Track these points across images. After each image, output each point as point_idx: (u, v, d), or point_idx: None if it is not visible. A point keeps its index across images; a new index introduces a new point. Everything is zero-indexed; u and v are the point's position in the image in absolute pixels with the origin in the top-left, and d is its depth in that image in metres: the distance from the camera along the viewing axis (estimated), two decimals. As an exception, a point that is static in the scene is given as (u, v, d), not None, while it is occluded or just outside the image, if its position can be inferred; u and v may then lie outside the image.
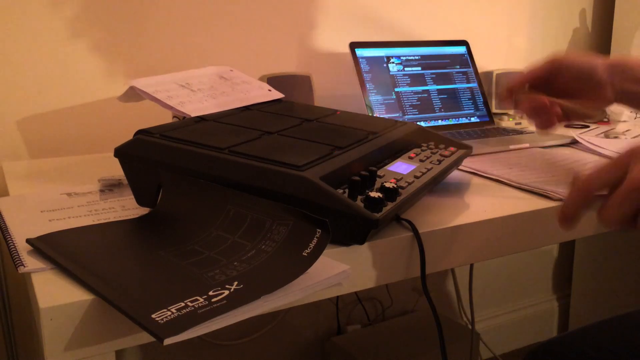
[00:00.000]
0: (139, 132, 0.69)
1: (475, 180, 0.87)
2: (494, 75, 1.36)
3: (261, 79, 1.08)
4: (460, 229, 0.68)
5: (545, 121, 0.76)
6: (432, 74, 1.24)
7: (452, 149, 0.83)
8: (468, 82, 1.28)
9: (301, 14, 1.30)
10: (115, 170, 0.80)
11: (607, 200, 0.48)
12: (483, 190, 0.82)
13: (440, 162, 0.77)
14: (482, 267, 1.74)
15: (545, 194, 0.78)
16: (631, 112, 1.33)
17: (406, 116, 1.17)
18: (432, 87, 1.23)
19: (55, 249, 0.55)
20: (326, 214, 0.56)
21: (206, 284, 0.49)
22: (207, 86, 0.94)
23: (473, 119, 1.25)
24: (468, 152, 0.84)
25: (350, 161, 0.66)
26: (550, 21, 1.67)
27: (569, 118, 0.80)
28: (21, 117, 1.08)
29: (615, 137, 1.17)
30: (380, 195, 0.59)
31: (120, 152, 0.67)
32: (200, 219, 0.59)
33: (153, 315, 0.43)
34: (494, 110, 1.33)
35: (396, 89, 1.19)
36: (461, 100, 1.25)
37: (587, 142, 1.08)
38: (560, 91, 0.75)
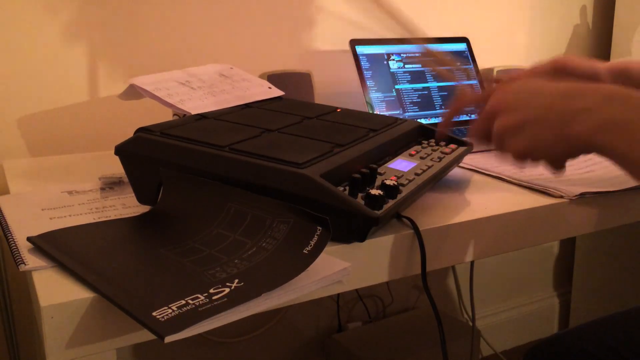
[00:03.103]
0: (140, 130, 0.69)
1: (476, 177, 0.87)
2: (495, 72, 1.36)
3: (261, 76, 1.08)
4: (461, 227, 0.68)
5: None
6: (432, 71, 1.24)
7: (453, 146, 0.83)
8: (469, 79, 1.27)
9: (301, 12, 1.30)
10: (115, 168, 0.80)
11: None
12: (484, 187, 0.82)
13: (440, 159, 0.77)
14: (482, 264, 1.74)
15: (546, 190, 0.78)
16: None
17: (406, 113, 1.17)
18: (433, 84, 1.23)
19: (56, 247, 0.55)
20: (327, 212, 0.56)
21: (207, 281, 0.49)
22: (207, 84, 0.94)
23: (474, 116, 1.25)
24: (469, 149, 0.84)
25: (351, 159, 0.66)
26: (551, 17, 1.67)
27: None
28: (22, 116, 1.08)
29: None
30: (381, 192, 0.59)
31: (121, 150, 0.67)
32: (201, 216, 0.59)
33: (154, 313, 0.43)
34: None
35: (396, 86, 1.18)
36: (462, 97, 1.25)
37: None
38: None
